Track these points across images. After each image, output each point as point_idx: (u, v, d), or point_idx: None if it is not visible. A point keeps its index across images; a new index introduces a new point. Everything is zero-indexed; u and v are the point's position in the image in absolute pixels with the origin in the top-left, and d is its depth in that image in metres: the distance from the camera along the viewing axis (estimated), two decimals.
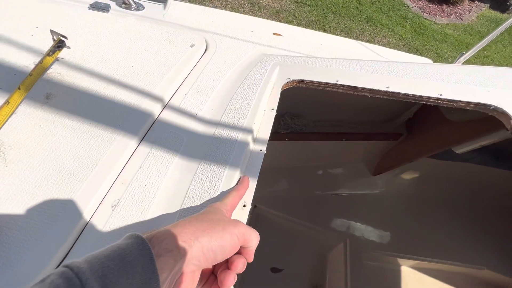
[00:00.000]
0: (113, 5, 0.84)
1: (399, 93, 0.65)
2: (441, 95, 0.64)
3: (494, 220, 1.44)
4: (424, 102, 0.65)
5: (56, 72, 0.55)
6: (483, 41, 1.03)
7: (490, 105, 0.61)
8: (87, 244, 0.41)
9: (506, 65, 3.71)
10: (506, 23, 1.01)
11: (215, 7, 3.57)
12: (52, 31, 0.55)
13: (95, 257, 0.25)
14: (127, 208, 0.45)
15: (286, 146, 1.27)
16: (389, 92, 0.66)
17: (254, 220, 1.29)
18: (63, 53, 0.58)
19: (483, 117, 0.77)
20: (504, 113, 0.60)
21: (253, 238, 0.37)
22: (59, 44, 0.54)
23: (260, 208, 1.32)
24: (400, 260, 1.35)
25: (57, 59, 0.55)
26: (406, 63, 0.77)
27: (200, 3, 3.49)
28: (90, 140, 0.50)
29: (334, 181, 1.54)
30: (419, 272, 1.36)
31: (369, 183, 1.57)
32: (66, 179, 0.45)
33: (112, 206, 0.45)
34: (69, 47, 0.58)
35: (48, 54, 0.53)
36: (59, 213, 0.42)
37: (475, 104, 0.62)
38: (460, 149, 1.10)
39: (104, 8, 0.79)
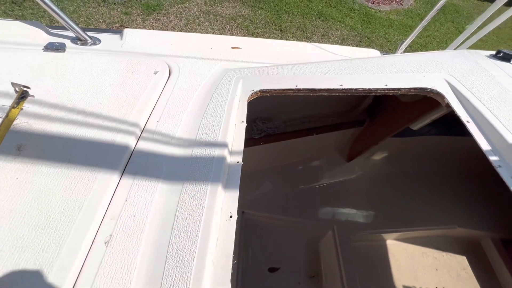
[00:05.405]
0: (68, 43, 0.84)
1: (351, 89, 0.73)
2: (386, 85, 0.72)
3: (458, 183, 1.61)
4: (373, 94, 0.74)
5: (24, 122, 0.55)
6: (416, 29, 1.16)
7: (427, 88, 0.71)
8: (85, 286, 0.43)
9: (446, 41, 4.10)
10: (433, 10, 1.15)
11: (170, 21, 3.54)
12: (13, 84, 0.55)
13: None
14: (120, 241, 0.47)
15: (263, 149, 1.33)
16: (343, 89, 0.73)
17: (244, 226, 1.32)
18: (27, 102, 0.58)
19: (427, 97, 0.89)
20: (438, 93, 0.69)
21: None
22: (23, 95, 0.54)
23: (248, 213, 1.36)
24: (385, 235, 1.46)
25: (22, 109, 0.55)
26: (355, 60, 0.86)
27: (154, 18, 3.45)
28: (72, 183, 0.51)
29: (313, 174, 1.62)
30: (403, 242, 1.48)
31: (345, 169, 1.67)
32: (54, 225, 0.46)
33: (105, 243, 0.47)
34: (33, 96, 0.58)
35: (13, 107, 0.53)
36: (52, 259, 0.43)
37: (415, 89, 0.72)
38: (415, 126, 1.23)
39: (60, 48, 0.79)
